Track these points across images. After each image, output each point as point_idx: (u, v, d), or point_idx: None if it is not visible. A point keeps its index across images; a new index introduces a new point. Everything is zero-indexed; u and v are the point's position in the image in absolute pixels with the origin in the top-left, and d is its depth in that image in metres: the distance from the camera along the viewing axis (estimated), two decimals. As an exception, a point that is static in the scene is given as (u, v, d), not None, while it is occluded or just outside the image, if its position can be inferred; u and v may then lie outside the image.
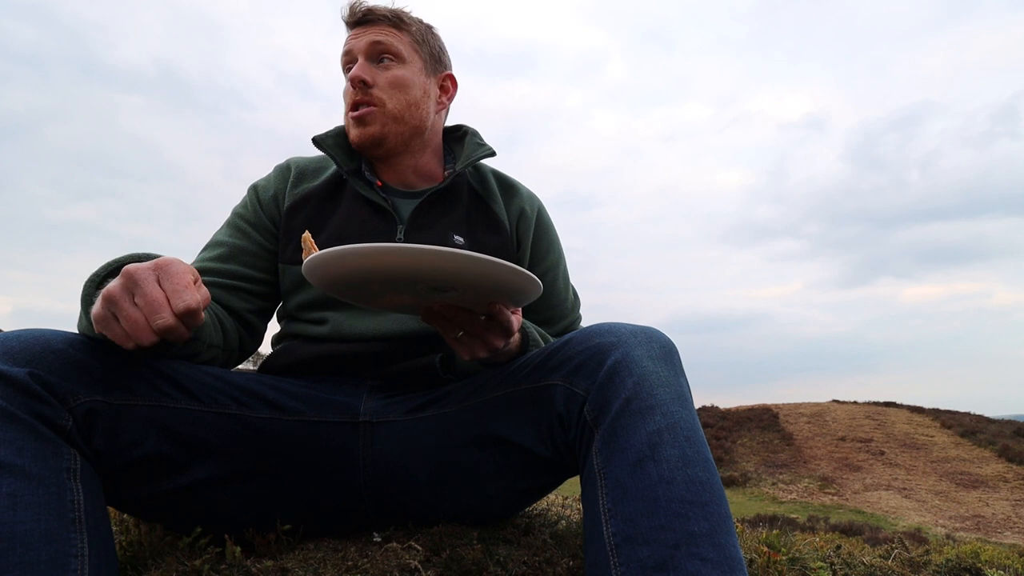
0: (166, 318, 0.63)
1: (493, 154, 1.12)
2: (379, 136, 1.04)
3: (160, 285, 0.65)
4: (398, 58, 1.05)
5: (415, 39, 1.08)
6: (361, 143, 1.05)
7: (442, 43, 1.14)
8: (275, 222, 1.06)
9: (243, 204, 1.08)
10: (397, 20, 1.06)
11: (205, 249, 1.04)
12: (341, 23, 1.09)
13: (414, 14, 1.10)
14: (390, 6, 1.08)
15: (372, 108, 1.03)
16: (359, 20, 1.07)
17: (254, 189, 1.08)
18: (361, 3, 1.06)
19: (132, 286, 0.64)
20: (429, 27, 1.12)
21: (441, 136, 1.15)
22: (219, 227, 1.07)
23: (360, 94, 1.03)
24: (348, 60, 1.07)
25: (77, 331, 0.74)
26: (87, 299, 0.70)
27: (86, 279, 0.72)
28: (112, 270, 0.72)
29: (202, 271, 0.99)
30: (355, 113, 1.04)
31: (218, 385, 0.81)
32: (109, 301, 0.64)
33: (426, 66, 1.09)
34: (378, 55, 1.05)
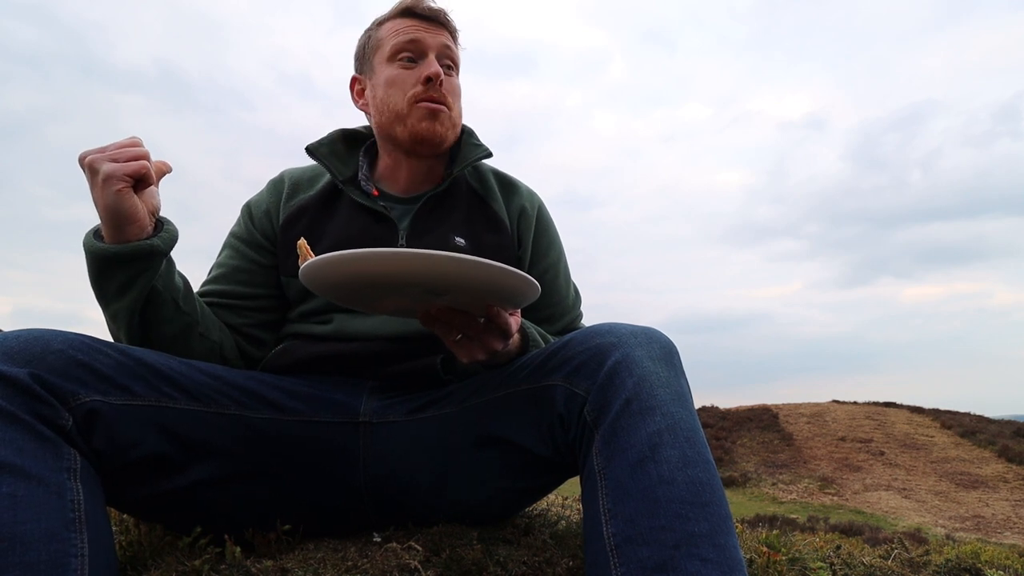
0: (139, 149, 0.76)
1: (489, 155, 1.11)
2: (443, 138, 1.03)
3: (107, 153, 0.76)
4: (456, 69, 1.08)
5: (459, 57, 1.09)
6: (427, 138, 1.01)
7: None
8: (268, 237, 1.06)
9: (237, 224, 1.09)
10: (456, 34, 1.08)
11: (207, 276, 1.06)
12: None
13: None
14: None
15: (446, 108, 1.02)
16: (432, 17, 1.05)
17: (247, 207, 1.09)
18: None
19: (93, 166, 0.74)
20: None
21: None
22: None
23: (434, 91, 1.01)
24: (414, 49, 1.03)
25: (87, 249, 0.79)
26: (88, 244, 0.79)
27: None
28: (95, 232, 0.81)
29: (203, 295, 1.02)
30: (432, 105, 1.01)
31: (217, 385, 0.81)
32: (89, 168, 0.75)
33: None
34: (445, 60, 1.05)
